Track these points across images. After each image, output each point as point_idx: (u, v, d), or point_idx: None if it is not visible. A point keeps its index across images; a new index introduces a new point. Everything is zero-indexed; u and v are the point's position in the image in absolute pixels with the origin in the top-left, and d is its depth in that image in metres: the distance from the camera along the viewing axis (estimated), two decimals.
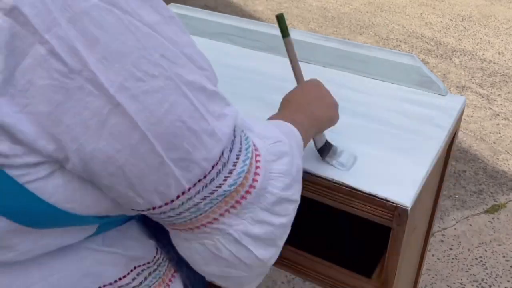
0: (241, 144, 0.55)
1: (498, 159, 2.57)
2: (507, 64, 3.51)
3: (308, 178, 0.84)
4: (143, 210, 0.53)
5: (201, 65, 0.54)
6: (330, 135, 0.94)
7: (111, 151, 0.47)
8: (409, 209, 0.78)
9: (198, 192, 0.52)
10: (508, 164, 2.53)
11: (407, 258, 0.96)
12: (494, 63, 3.51)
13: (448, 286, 1.85)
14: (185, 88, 0.49)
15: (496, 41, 3.86)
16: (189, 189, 0.51)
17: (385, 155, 0.88)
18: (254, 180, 0.54)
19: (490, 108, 3.00)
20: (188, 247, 0.58)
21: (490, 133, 2.77)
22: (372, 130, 0.95)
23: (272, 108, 1.01)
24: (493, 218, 2.19)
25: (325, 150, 0.85)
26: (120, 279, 0.62)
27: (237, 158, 0.54)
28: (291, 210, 0.60)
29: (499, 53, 3.66)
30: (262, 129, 0.62)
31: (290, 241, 0.98)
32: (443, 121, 0.99)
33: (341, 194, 0.82)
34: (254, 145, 0.57)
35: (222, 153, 0.52)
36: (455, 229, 2.12)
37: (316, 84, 0.81)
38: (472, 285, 1.86)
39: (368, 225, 0.90)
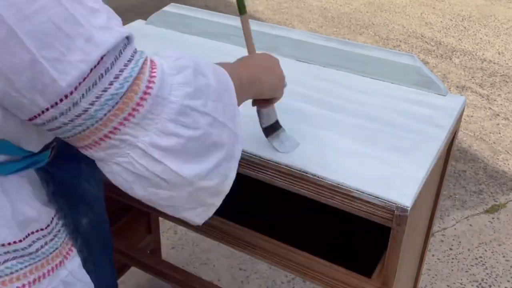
0: (132, 56, 0.57)
1: (498, 159, 2.57)
2: (507, 64, 3.51)
3: (309, 179, 0.84)
4: (35, 117, 0.55)
5: None
6: (330, 135, 0.94)
7: None
8: (409, 209, 0.78)
9: (83, 96, 0.54)
10: (508, 164, 2.53)
11: (407, 258, 0.96)
12: (494, 63, 3.51)
13: (448, 286, 1.85)
14: None
15: (496, 41, 3.86)
16: (71, 92, 0.53)
17: (385, 155, 0.88)
18: (148, 87, 0.56)
19: (490, 108, 2.99)
20: (110, 171, 0.60)
21: (490, 133, 2.77)
22: (372, 130, 0.95)
23: None
24: (493, 218, 2.19)
25: (271, 130, 0.88)
26: (15, 242, 0.64)
27: (125, 66, 0.56)
28: (203, 124, 0.60)
29: (499, 53, 3.66)
30: (169, 51, 0.64)
31: (290, 241, 0.98)
32: (443, 121, 0.99)
33: (341, 194, 0.82)
34: (152, 60, 0.59)
35: (102, 58, 0.54)
36: (455, 229, 2.12)
37: (270, 56, 0.86)
38: (472, 285, 1.86)
39: (368, 225, 0.90)
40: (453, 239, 2.06)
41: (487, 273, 1.91)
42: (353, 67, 1.15)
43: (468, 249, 2.02)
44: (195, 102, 0.59)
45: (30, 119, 0.56)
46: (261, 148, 0.89)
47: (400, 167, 0.86)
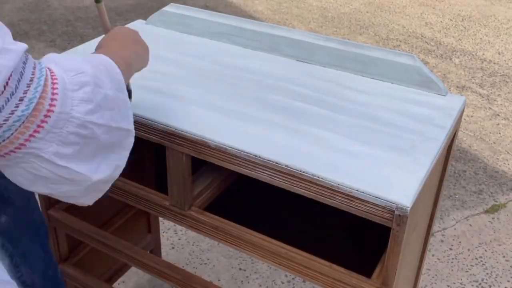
0: (33, 74, 0.60)
1: (498, 159, 2.57)
2: (507, 64, 3.51)
3: (309, 179, 0.84)
4: None
5: None
6: (330, 135, 0.94)
7: None
8: (409, 209, 0.78)
9: None
10: (508, 164, 2.53)
11: (407, 258, 0.96)
12: (494, 63, 3.51)
13: (448, 286, 1.85)
14: None
15: (496, 41, 3.86)
16: None
17: (385, 155, 0.88)
18: (51, 105, 0.61)
19: (490, 108, 3.00)
20: (11, 172, 0.64)
21: (490, 133, 2.77)
22: (372, 130, 0.95)
23: (272, 108, 1.02)
24: (493, 218, 2.19)
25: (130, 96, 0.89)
26: None
27: (28, 87, 0.59)
28: (100, 133, 0.66)
29: (499, 53, 3.66)
30: (68, 62, 0.67)
31: (290, 241, 0.98)
32: (443, 121, 0.99)
33: (341, 194, 0.82)
34: (53, 75, 0.63)
35: (7, 83, 0.57)
36: (455, 229, 2.12)
37: (130, 31, 0.91)
38: (472, 285, 1.86)
39: (368, 225, 0.90)
40: (453, 239, 2.06)
41: (487, 273, 1.91)
42: (353, 67, 1.15)
43: (468, 249, 2.02)
44: (94, 117, 0.65)
45: None
46: (261, 148, 0.89)
47: (400, 167, 0.86)
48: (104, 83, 0.68)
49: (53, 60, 0.67)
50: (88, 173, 0.67)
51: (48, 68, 0.63)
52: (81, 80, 0.65)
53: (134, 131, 0.74)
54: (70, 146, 0.63)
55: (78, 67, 0.66)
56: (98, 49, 0.84)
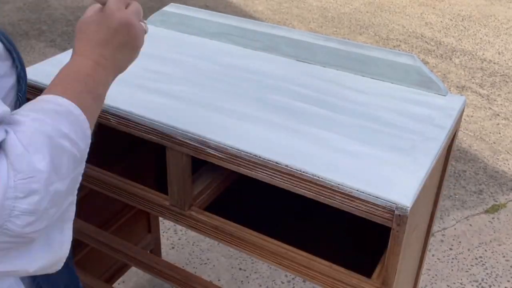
0: None
1: (498, 159, 2.57)
2: (507, 64, 3.51)
3: (309, 179, 0.84)
4: None
5: None
6: (330, 135, 0.94)
7: None
8: (409, 209, 0.78)
9: None
10: (508, 164, 2.53)
11: (407, 258, 0.96)
12: (494, 63, 3.51)
13: (448, 286, 1.85)
14: None
15: (496, 41, 3.86)
16: None
17: (385, 155, 0.88)
18: None
19: (490, 108, 3.00)
20: None
21: (490, 133, 2.77)
22: (372, 130, 0.95)
23: (272, 108, 1.02)
24: (493, 218, 2.19)
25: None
26: None
27: None
28: (38, 234, 0.57)
29: (499, 53, 3.66)
30: (22, 156, 0.54)
31: (290, 241, 0.98)
32: (443, 121, 0.99)
33: (341, 194, 0.82)
34: None
35: None
36: (455, 229, 2.12)
37: (129, 32, 0.72)
38: (472, 285, 1.86)
39: (368, 225, 0.90)
40: (453, 239, 2.06)
41: (487, 273, 1.91)
42: (353, 67, 1.15)
43: (468, 249, 2.02)
44: (33, 228, 0.55)
45: None
46: (261, 148, 0.89)
47: (400, 167, 0.86)
48: (61, 170, 0.58)
49: (12, 144, 0.54)
50: (24, 267, 0.59)
51: None
52: (31, 187, 0.54)
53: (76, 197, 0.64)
54: None
55: (31, 168, 0.54)
56: (87, 40, 0.70)
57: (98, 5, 0.73)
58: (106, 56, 0.71)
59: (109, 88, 0.73)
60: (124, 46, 0.73)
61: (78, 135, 0.61)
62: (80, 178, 0.64)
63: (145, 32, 0.77)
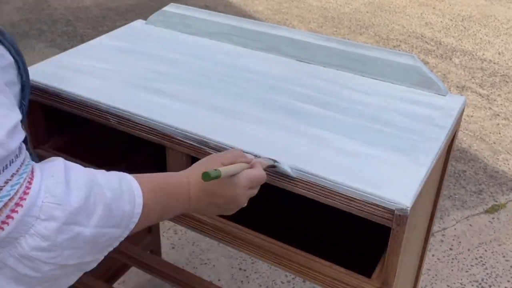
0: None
1: (498, 159, 2.57)
2: (507, 64, 3.51)
3: (309, 179, 0.84)
4: None
5: None
6: (330, 135, 0.94)
7: None
8: (409, 209, 0.78)
9: None
10: (508, 164, 2.53)
11: (407, 258, 0.96)
12: (494, 63, 3.51)
13: (448, 286, 1.85)
14: None
15: (496, 41, 3.86)
16: None
17: (385, 155, 0.88)
18: (4, 222, 0.53)
19: (490, 108, 3.00)
20: None
21: (490, 133, 2.77)
22: (372, 130, 0.95)
23: (272, 108, 1.02)
24: (493, 218, 2.19)
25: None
26: None
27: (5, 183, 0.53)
28: (47, 271, 0.58)
29: (499, 53, 3.66)
30: (59, 184, 0.57)
31: (290, 240, 0.98)
32: (443, 121, 0.99)
33: (341, 194, 0.82)
34: (26, 191, 0.54)
35: None
36: (455, 229, 2.12)
37: (236, 199, 0.76)
38: (472, 285, 1.86)
39: (368, 225, 0.90)
40: (453, 239, 2.06)
41: (487, 273, 1.91)
42: (353, 67, 1.15)
43: (468, 249, 2.02)
44: (45, 255, 0.56)
45: None
46: (261, 148, 0.89)
47: (400, 167, 0.86)
48: (90, 219, 0.58)
49: (55, 171, 0.57)
50: None
51: (31, 178, 0.55)
52: (53, 213, 0.55)
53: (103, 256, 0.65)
54: (5, 269, 0.57)
55: (63, 197, 0.56)
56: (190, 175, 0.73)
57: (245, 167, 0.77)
58: (200, 202, 0.74)
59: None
60: (218, 207, 0.76)
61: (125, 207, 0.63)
62: (107, 250, 0.64)
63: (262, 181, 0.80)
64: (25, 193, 0.54)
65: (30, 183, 0.55)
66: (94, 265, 0.64)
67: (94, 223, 0.59)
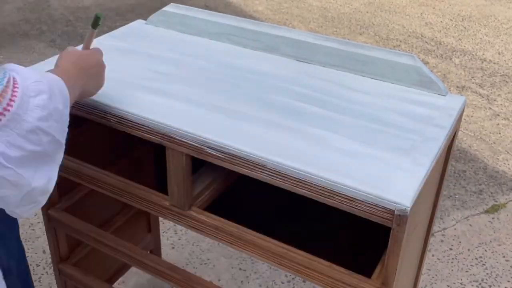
0: None
1: (498, 159, 2.57)
2: (507, 64, 3.51)
3: (309, 179, 0.84)
4: None
5: None
6: (330, 135, 0.94)
7: None
8: (409, 209, 0.78)
9: None
10: (508, 164, 2.53)
11: (407, 258, 0.96)
12: (494, 63, 3.51)
13: (448, 286, 1.85)
14: None
15: (496, 41, 3.86)
16: None
17: (385, 155, 0.88)
18: (8, 104, 0.66)
19: (490, 108, 3.00)
20: None
21: (490, 133, 2.77)
22: (372, 130, 0.95)
23: (272, 108, 1.02)
24: (493, 218, 2.19)
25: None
26: None
27: None
28: (45, 142, 0.72)
29: (499, 53, 3.66)
30: (27, 72, 0.73)
31: (290, 240, 0.98)
32: (443, 121, 0.99)
33: (341, 194, 0.82)
34: (14, 80, 0.68)
35: None
36: (455, 229, 2.12)
37: (77, 51, 0.94)
38: (472, 285, 1.86)
39: (368, 225, 0.90)
40: (453, 239, 2.06)
41: (487, 273, 1.91)
42: (353, 67, 1.15)
43: (468, 249, 2.02)
44: (45, 124, 0.71)
45: None
46: (261, 148, 0.89)
47: (400, 167, 0.86)
48: (57, 96, 0.74)
49: (13, 69, 0.72)
50: (28, 178, 0.71)
51: (11, 75, 0.68)
52: (39, 88, 0.71)
53: (64, 147, 0.78)
54: (17, 149, 0.67)
55: (36, 77, 0.72)
56: (52, 70, 0.87)
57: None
58: (70, 73, 0.89)
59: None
60: (90, 75, 0.94)
61: (61, 90, 0.78)
62: (66, 128, 0.78)
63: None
64: (14, 81, 0.68)
65: (14, 77, 0.69)
66: (60, 156, 0.78)
67: (59, 100, 0.75)
